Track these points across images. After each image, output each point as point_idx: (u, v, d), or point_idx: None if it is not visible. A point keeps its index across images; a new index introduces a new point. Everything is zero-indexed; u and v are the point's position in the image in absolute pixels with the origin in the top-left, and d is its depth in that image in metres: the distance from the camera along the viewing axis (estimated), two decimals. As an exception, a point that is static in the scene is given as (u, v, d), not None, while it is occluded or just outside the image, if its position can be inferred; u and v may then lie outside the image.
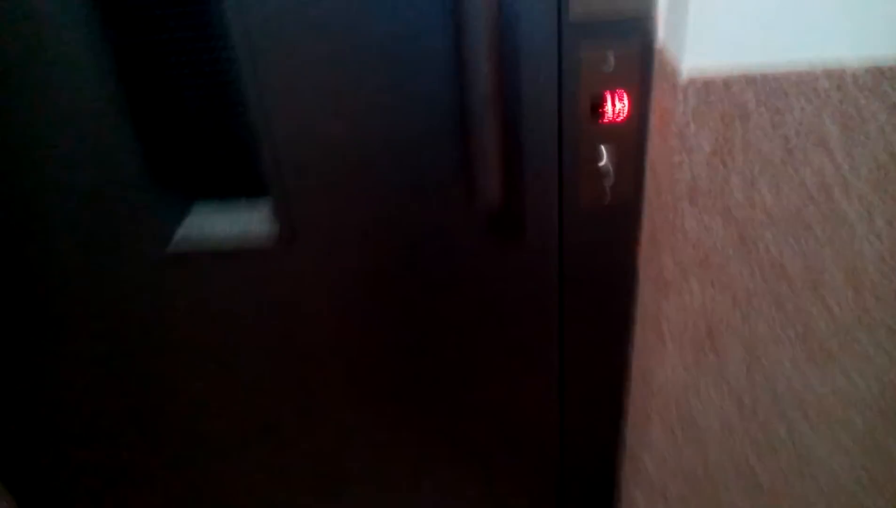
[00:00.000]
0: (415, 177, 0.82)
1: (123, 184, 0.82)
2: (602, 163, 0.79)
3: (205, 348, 0.95)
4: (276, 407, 1.01)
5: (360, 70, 0.75)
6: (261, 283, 0.90)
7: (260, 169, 0.82)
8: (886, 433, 0.91)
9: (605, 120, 0.77)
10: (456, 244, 0.87)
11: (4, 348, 0.95)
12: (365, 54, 0.74)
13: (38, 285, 0.89)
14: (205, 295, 0.90)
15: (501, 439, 1.05)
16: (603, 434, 1.02)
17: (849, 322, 0.82)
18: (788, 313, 0.83)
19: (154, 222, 0.84)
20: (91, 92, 0.76)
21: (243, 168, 0.86)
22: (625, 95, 0.76)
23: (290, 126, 0.78)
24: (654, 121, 0.76)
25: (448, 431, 1.04)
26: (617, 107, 0.76)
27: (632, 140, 0.78)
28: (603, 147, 0.79)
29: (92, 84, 0.76)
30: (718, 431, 0.94)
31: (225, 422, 1.03)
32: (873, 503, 0.97)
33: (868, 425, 0.90)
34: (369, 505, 1.15)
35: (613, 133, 0.78)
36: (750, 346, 0.85)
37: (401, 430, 1.04)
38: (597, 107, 0.76)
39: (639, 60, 0.73)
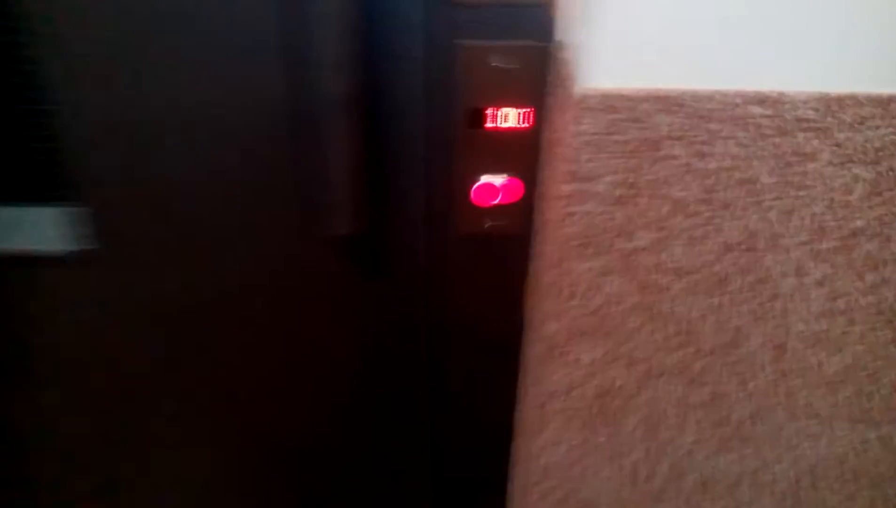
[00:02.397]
0: (244, 190, 0.64)
1: None
2: (480, 184, 0.63)
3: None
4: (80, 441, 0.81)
5: (179, 60, 0.56)
6: (56, 299, 0.70)
7: (61, 173, 0.63)
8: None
9: (488, 133, 0.60)
10: (304, 274, 0.69)
11: None
12: (187, 40, 0.56)
13: None
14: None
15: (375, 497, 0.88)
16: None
17: (767, 400, 0.68)
18: (696, 384, 0.68)
19: None
20: None
21: (42, 171, 0.66)
22: (516, 106, 0.59)
23: (95, 124, 0.59)
24: (548, 143, 0.60)
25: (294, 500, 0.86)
26: (503, 118, 0.60)
27: (519, 160, 0.61)
28: (489, 166, 0.62)
29: None
30: (611, 512, 0.79)
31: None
32: None
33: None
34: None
35: (497, 149, 0.61)
36: (650, 421, 0.71)
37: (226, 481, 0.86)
38: (478, 116, 0.60)
39: (533, 62, 0.57)
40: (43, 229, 0.70)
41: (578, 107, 0.52)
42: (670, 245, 0.58)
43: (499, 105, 0.60)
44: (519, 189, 0.63)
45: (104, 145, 0.61)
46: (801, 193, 0.56)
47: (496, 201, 0.64)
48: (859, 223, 0.58)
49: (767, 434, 0.72)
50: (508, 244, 0.66)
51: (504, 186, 0.63)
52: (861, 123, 0.53)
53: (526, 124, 0.61)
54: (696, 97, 0.51)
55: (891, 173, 0.55)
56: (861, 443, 0.71)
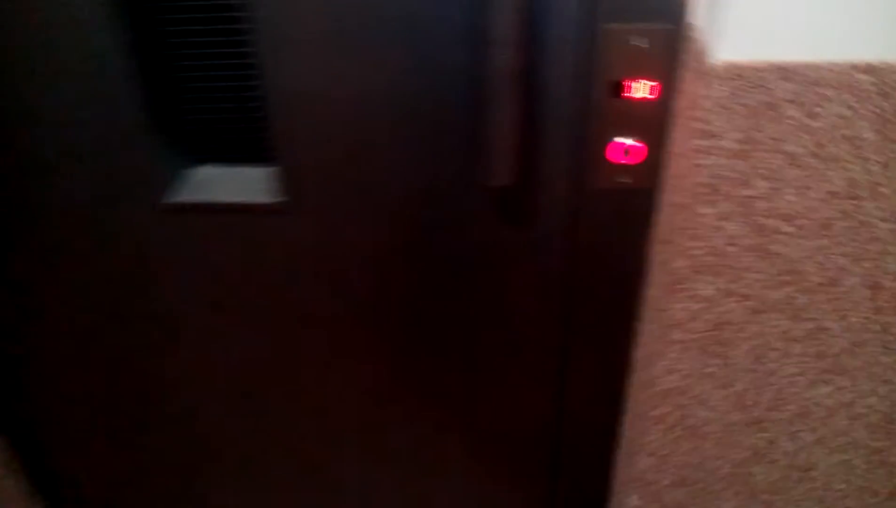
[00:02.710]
0: (425, 151, 0.78)
1: (128, 138, 0.79)
2: (621, 147, 0.75)
3: (195, 303, 0.91)
4: (260, 374, 0.98)
5: (376, 38, 0.71)
6: (256, 247, 0.86)
7: (267, 136, 0.78)
8: (892, 453, 0.87)
9: (628, 103, 0.73)
10: (463, 224, 0.83)
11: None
12: (383, 22, 0.70)
13: (39, 225, 0.86)
14: (198, 253, 0.87)
15: (496, 430, 1.02)
16: (601, 433, 0.99)
17: (864, 336, 0.78)
18: (801, 321, 0.79)
19: (157, 177, 0.81)
20: (99, 46, 0.73)
21: (251, 134, 0.82)
22: (650, 79, 0.71)
23: (298, 93, 0.75)
24: (677, 109, 0.72)
25: (440, 418, 1.01)
26: (641, 91, 0.72)
27: (654, 126, 0.74)
28: (624, 130, 0.74)
29: (101, 40, 0.72)
30: (719, 435, 0.90)
31: (206, 383, 0.99)
32: (871, 521, 0.94)
33: (875, 443, 0.87)
34: (353, 479, 1.12)
35: (635, 117, 0.73)
36: (758, 352, 0.82)
37: (389, 409, 1.01)
38: (620, 89, 0.72)
39: (668, 43, 0.69)
40: (247, 185, 0.86)
41: (708, 76, 0.64)
42: (782, 193, 0.69)
43: (634, 78, 0.72)
44: (645, 150, 0.75)
45: (301, 115, 0.76)
46: (900, 147, 0.66)
47: (626, 160, 0.76)
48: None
49: (863, 367, 0.82)
50: (636, 196, 0.78)
51: (633, 146, 0.75)
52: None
53: (654, 95, 0.73)
54: (810, 67, 0.63)
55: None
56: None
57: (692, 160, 0.68)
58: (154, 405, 1.03)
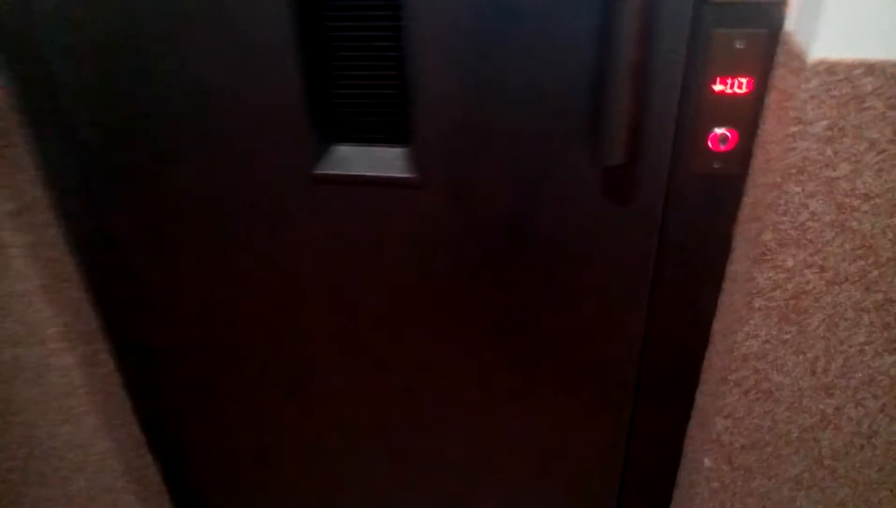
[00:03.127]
0: (543, 138, 0.91)
1: (287, 117, 0.93)
2: (717, 135, 0.87)
3: (332, 265, 1.05)
4: (376, 325, 1.11)
5: (508, 36, 0.84)
6: (387, 217, 0.99)
7: (404, 120, 0.92)
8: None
9: (726, 96, 0.85)
10: (572, 204, 0.95)
11: (151, 247, 1.06)
12: (515, 20, 0.84)
13: (198, 188, 1.01)
14: (338, 221, 1.00)
15: (576, 383, 1.13)
16: (678, 394, 1.10)
17: (929, 305, 0.89)
18: (872, 295, 0.90)
19: (309, 152, 0.95)
20: (271, 36, 0.87)
21: (390, 118, 0.96)
22: (748, 75, 0.84)
23: (435, 84, 0.88)
24: (770, 102, 0.84)
25: (524, 371, 1.13)
26: (738, 85, 0.84)
27: (747, 117, 0.86)
28: (720, 121, 0.87)
29: (273, 31, 0.86)
30: (789, 402, 1.01)
31: (329, 337, 1.13)
32: (928, 486, 1.04)
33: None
34: (446, 427, 1.24)
35: (732, 109, 0.86)
36: (831, 322, 0.93)
37: (484, 361, 1.13)
38: (721, 82, 0.84)
39: (765, 43, 0.81)
40: (384, 162, 0.99)
41: (804, 71, 0.76)
42: (863, 174, 0.81)
43: (735, 76, 0.84)
44: (737, 139, 0.87)
45: (434, 103, 0.89)
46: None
47: (723, 148, 0.88)
48: None
49: (926, 339, 0.92)
50: (727, 181, 0.90)
51: (728, 136, 0.88)
52: None
53: (748, 90, 0.85)
54: (892, 64, 0.74)
55: None
56: None
57: (785, 145, 0.80)
58: (278, 362, 1.17)
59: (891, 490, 1.07)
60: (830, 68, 0.75)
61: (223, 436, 1.37)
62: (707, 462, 1.10)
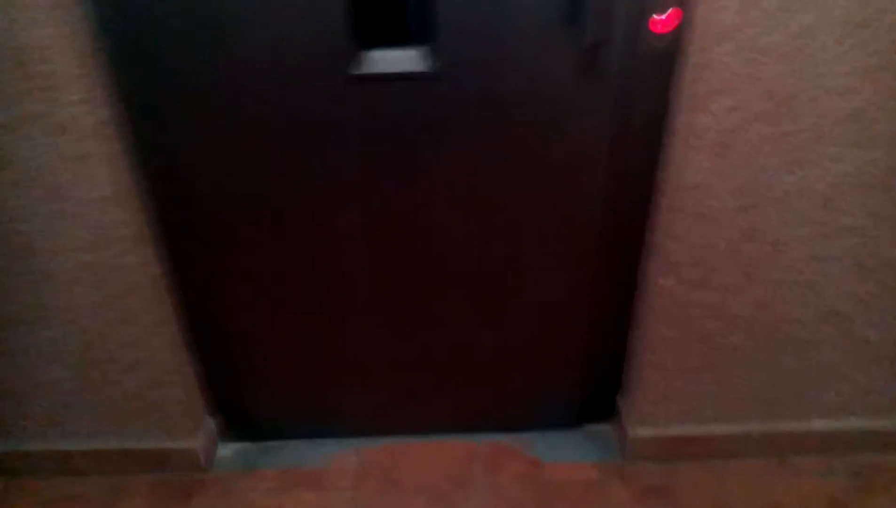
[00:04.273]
0: (531, 28, 1.19)
1: (331, 27, 1.17)
2: (659, 19, 1.18)
3: (365, 148, 1.30)
4: (398, 197, 1.38)
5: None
6: (411, 102, 1.26)
7: (424, 23, 1.18)
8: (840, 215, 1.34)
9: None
10: (554, 81, 1.25)
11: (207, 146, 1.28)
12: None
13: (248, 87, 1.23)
14: (373, 111, 1.26)
15: (552, 225, 1.44)
16: (636, 226, 1.43)
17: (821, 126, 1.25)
18: (774, 126, 1.25)
19: (348, 55, 1.19)
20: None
21: (414, 22, 1.21)
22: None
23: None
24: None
25: (513, 212, 1.43)
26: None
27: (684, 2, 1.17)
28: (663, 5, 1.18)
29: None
30: (719, 221, 1.35)
31: (354, 210, 1.39)
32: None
33: (839, 220, 1.33)
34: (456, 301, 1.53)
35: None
36: (751, 152, 1.27)
37: (493, 232, 1.43)
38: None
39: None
40: (408, 60, 1.24)
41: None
42: (766, 35, 1.14)
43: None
44: (677, 19, 1.19)
45: (450, 8, 1.15)
46: None
47: (665, 30, 1.20)
48: None
49: (824, 154, 1.28)
50: (670, 52, 1.22)
51: (666, 20, 1.19)
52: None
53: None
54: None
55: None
56: None
57: (710, 18, 1.12)
58: (316, 251, 1.41)
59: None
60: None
61: (263, 340, 1.61)
62: (661, 281, 1.44)
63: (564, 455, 1.78)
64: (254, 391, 1.73)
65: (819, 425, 1.68)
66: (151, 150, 1.30)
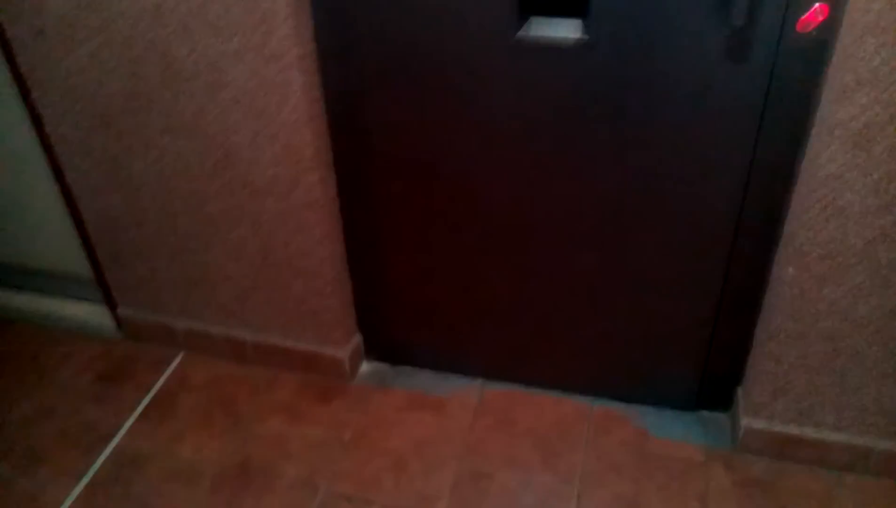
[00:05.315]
0: (682, 9, 1.28)
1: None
2: (815, 8, 1.22)
3: (523, 109, 1.46)
4: (544, 157, 1.52)
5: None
6: (565, 74, 1.40)
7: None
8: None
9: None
10: (699, 56, 1.32)
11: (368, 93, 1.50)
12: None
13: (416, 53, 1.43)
14: (531, 78, 1.41)
15: (686, 209, 1.51)
16: (772, 215, 1.47)
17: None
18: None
19: (509, 23, 1.36)
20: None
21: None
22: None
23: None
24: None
25: (648, 198, 1.52)
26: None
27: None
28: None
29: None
30: (857, 218, 1.36)
31: (510, 165, 1.55)
32: None
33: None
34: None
35: None
36: (894, 150, 1.27)
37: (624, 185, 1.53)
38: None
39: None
40: (565, 29, 1.38)
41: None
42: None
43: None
44: (828, 12, 1.22)
45: None
46: None
47: (819, 18, 1.24)
48: None
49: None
50: (821, 42, 1.25)
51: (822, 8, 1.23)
52: None
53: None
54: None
55: None
56: None
57: (864, 8, 1.15)
58: (465, 190, 1.59)
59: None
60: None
61: (411, 271, 1.82)
62: (791, 270, 1.46)
63: (674, 433, 1.83)
64: (396, 317, 1.95)
65: (950, 455, 1.61)
66: (338, 86, 1.54)
